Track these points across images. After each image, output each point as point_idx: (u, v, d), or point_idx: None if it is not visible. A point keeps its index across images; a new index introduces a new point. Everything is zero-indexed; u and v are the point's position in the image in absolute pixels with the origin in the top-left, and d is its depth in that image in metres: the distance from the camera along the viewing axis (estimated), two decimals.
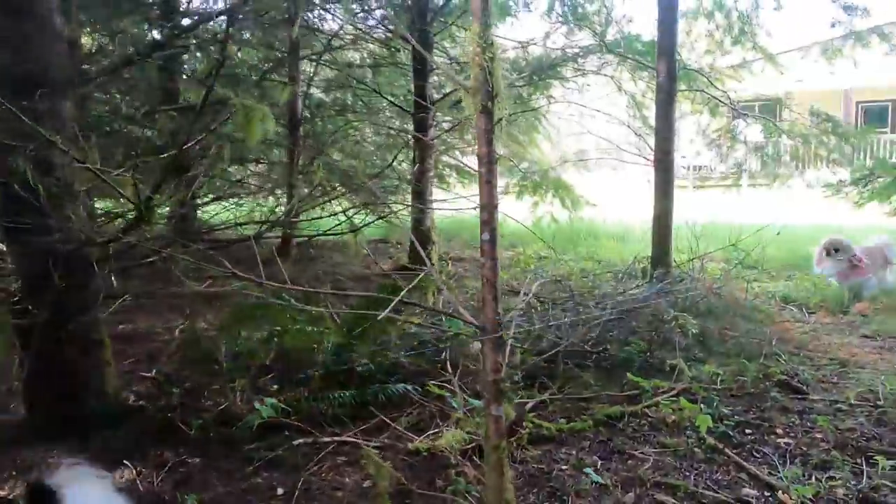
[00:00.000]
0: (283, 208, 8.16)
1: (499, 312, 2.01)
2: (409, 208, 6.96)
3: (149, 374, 3.80)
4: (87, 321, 3.02)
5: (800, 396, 3.36)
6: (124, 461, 2.84)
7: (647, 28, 8.12)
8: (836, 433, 2.90)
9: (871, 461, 2.64)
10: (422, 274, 2.50)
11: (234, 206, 7.06)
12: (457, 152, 9.66)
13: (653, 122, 7.50)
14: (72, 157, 2.16)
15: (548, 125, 9.30)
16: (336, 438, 3.00)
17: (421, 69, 6.97)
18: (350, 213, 4.91)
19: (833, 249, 5.63)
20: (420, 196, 6.98)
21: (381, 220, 4.99)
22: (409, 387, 3.60)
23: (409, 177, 6.81)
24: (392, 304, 1.92)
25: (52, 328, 2.78)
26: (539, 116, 9.20)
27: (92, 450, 2.92)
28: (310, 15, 7.59)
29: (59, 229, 2.81)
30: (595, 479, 2.48)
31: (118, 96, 4.47)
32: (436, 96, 7.44)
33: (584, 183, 11.17)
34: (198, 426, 3.11)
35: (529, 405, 3.24)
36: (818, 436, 2.91)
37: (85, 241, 2.66)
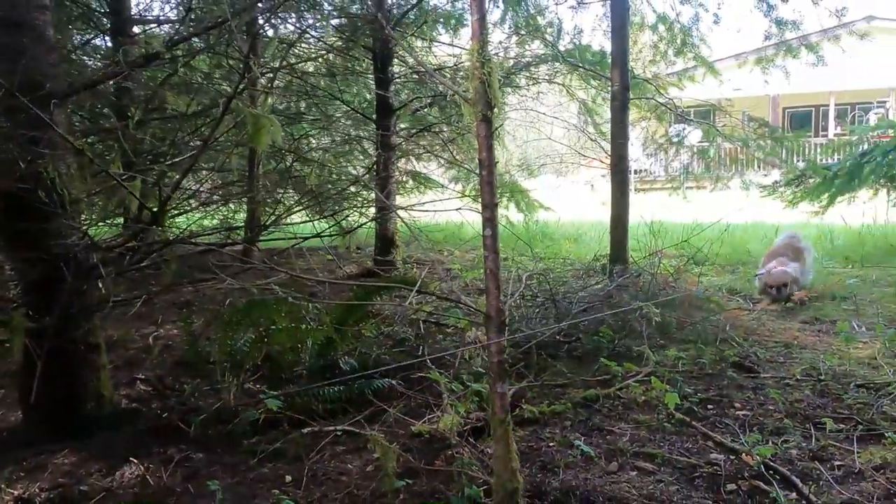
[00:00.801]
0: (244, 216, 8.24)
1: (501, 301, 2.25)
2: (373, 214, 7.14)
3: (139, 378, 3.87)
4: (86, 325, 3.11)
5: (752, 375, 3.73)
6: (130, 458, 2.93)
7: (594, 39, 8.52)
8: (787, 404, 3.25)
9: (818, 426, 3.00)
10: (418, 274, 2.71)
11: (203, 215, 7.08)
12: (412, 159, 9.89)
13: (603, 127, 7.94)
14: (91, 162, 2.27)
15: (503, 132, 9.65)
16: (339, 427, 3.16)
17: (382, 77, 7.17)
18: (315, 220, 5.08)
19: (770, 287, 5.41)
20: (382, 205, 7.16)
21: (337, 226, 5.16)
22: (394, 381, 3.81)
23: (366, 183, 6.98)
24: (413, 293, 2.11)
25: (55, 333, 2.85)
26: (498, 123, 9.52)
27: (96, 449, 3.00)
28: (263, 22, 7.68)
29: (62, 234, 2.90)
30: (585, 449, 2.74)
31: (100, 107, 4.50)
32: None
33: (539, 187, 11.59)
34: (197, 424, 3.22)
35: (512, 391, 3.49)
36: (771, 407, 3.25)
37: (90, 246, 2.75)
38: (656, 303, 4.08)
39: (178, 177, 2.93)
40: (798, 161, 10.77)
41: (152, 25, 7.64)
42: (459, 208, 3.20)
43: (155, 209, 2.46)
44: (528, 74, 8.39)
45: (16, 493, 2.62)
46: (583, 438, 2.94)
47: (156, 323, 5.55)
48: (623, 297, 4.54)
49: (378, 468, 2.85)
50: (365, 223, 4.59)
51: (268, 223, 3.17)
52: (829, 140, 16.89)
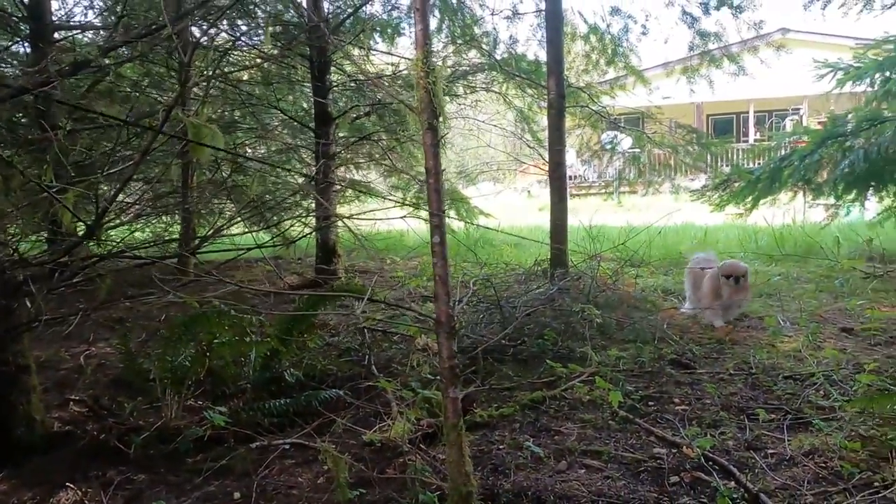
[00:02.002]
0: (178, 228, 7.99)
1: (451, 306, 2.27)
2: (314, 223, 7.06)
3: (72, 399, 3.70)
4: (14, 346, 2.96)
5: (689, 371, 3.89)
6: (67, 483, 2.80)
7: (529, 49, 8.72)
8: (722, 398, 3.41)
9: (751, 417, 3.15)
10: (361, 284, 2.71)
11: (135, 228, 6.82)
12: (353, 168, 9.84)
13: (540, 135, 8.12)
14: (21, 174, 2.17)
15: (444, 143, 9.70)
16: (287, 441, 3.11)
17: (321, 86, 7.12)
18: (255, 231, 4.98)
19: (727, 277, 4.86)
20: (324, 211, 7.09)
21: (281, 236, 5.09)
22: (342, 392, 3.78)
23: (307, 192, 6.90)
24: (363, 302, 2.11)
25: None
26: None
27: (29, 476, 2.85)
28: (195, 31, 7.51)
29: None
30: (535, 450, 2.79)
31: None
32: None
33: (478, 195, 11.73)
34: (137, 444, 3.10)
35: (463, 395, 3.51)
36: (708, 401, 3.40)
37: (18, 262, 2.63)
38: (597, 305, 4.19)
39: (116, 188, 2.82)
40: (723, 166, 11.29)
41: (76, 32, 7.34)
42: (405, 216, 3.21)
43: (90, 222, 2.37)
44: (465, 83, 8.50)
45: None
46: (532, 439, 3.00)
47: (88, 342, 5.32)
48: (565, 301, 4.66)
49: (329, 480, 2.82)
50: (308, 233, 4.52)
51: (207, 234, 3.09)
52: (752, 145, 17.79)
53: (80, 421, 3.53)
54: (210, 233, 3.33)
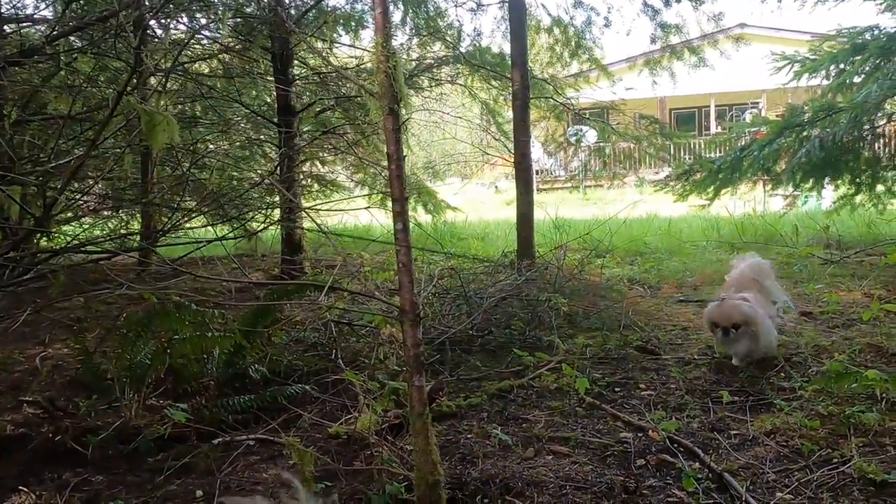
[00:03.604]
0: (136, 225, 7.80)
1: (415, 294, 2.25)
2: (278, 219, 6.95)
3: (25, 400, 3.57)
4: None
5: (654, 357, 3.93)
6: (20, 487, 2.70)
7: (494, 42, 8.71)
8: (687, 382, 3.45)
9: (714, 400, 3.20)
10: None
11: (91, 224, 6.65)
12: (317, 163, 9.72)
13: (505, 127, 8.13)
14: None
15: (407, 134, 9.66)
16: (251, 436, 3.05)
17: (283, 78, 7.00)
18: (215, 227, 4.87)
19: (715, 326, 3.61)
20: (289, 206, 6.99)
21: (242, 228, 5.00)
22: (308, 386, 3.72)
23: (271, 183, 6.78)
24: (325, 290, 2.07)
25: None
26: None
27: None
28: (153, 23, 7.32)
29: None
30: (503, 437, 2.78)
31: None
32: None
33: (444, 189, 11.71)
34: (95, 444, 3.01)
35: (430, 386, 3.49)
36: (673, 386, 3.44)
37: None
38: (564, 294, 4.21)
39: (64, 180, 2.72)
40: (686, 158, 11.48)
41: (26, 24, 7.10)
42: (369, 206, 3.17)
43: (38, 215, 2.28)
44: (430, 76, 8.46)
45: None
46: (500, 428, 2.99)
47: (44, 343, 5.16)
48: (532, 290, 4.67)
49: (294, 474, 2.77)
50: (271, 224, 4.44)
51: (166, 227, 3.00)
52: (714, 135, 18.13)
53: (35, 423, 3.41)
54: (170, 226, 3.25)
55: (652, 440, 2.78)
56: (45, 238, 2.60)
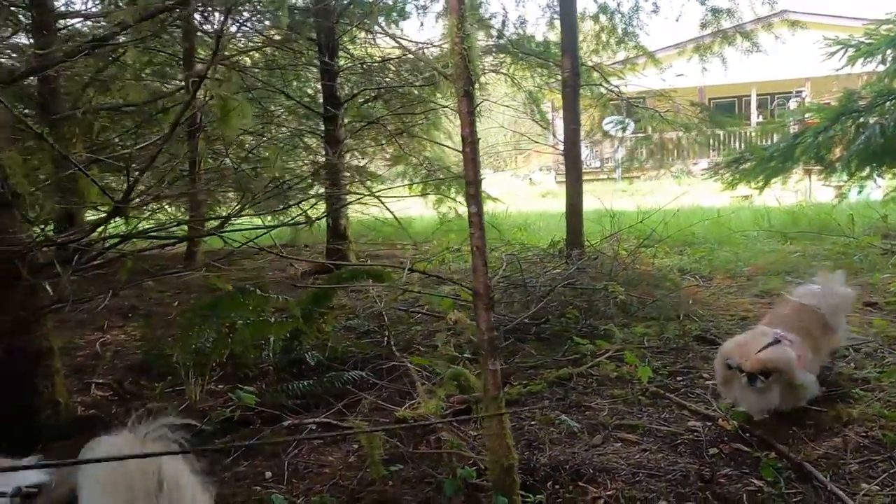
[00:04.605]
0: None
1: (488, 277, 2.23)
2: (324, 209, 7.00)
3: (96, 382, 3.67)
4: (38, 329, 2.92)
5: (715, 346, 3.84)
6: None
7: (538, 30, 8.61)
8: None
9: None
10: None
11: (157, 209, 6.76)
12: (356, 153, 9.76)
13: (549, 117, 8.05)
14: (52, 149, 2.12)
15: (449, 124, 9.63)
16: (315, 420, 3.08)
17: (329, 69, 7.03)
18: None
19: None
20: (334, 196, 7.03)
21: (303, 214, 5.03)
22: (363, 372, 3.74)
23: (319, 175, 6.82)
24: (405, 272, 2.07)
25: (10, 335, 2.66)
26: (439, 116, 9.50)
27: (55, 458, 2.82)
28: (197, 17, 7.41)
29: (10, 230, 2.71)
30: (572, 424, 2.76)
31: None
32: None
33: (486, 179, 11.64)
34: None
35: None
36: None
37: (44, 242, 2.58)
38: (620, 282, 4.15)
39: (143, 165, 2.75)
40: (733, 146, 11.22)
41: (78, 20, 7.26)
42: (428, 193, 3.16)
43: (117, 200, 2.32)
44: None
45: None
46: (563, 416, 2.96)
47: (101, 329, 5.30)
48: (584, 279, 4.62)
49: (360, 458, 2.79)
50: (326, 213, 4.47)
51: (230, 213, 3.04)
52: (764, 123, 17.67)
53: (104, 405, 3.50)
54: (232, 212, 3.29)
55: (722, 429, 2.73)
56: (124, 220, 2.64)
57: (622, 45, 7.40)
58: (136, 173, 2.28)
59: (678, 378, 3.41)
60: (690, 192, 11.56)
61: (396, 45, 8.15)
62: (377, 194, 6.65)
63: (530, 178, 24.00)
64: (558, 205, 13.36)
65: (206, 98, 2.31)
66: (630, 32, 7.25)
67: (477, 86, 2.21)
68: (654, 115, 7.13)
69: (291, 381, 3.56)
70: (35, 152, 2.38)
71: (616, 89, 6.91)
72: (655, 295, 4.56)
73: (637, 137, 7.87)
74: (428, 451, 2.67)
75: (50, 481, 1.76)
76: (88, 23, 7.04)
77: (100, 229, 2.50)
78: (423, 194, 8.92)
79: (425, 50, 8.48)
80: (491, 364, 2.21)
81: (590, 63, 7.28)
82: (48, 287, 3.16)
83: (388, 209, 3.13)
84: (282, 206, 3.82)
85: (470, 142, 2.21)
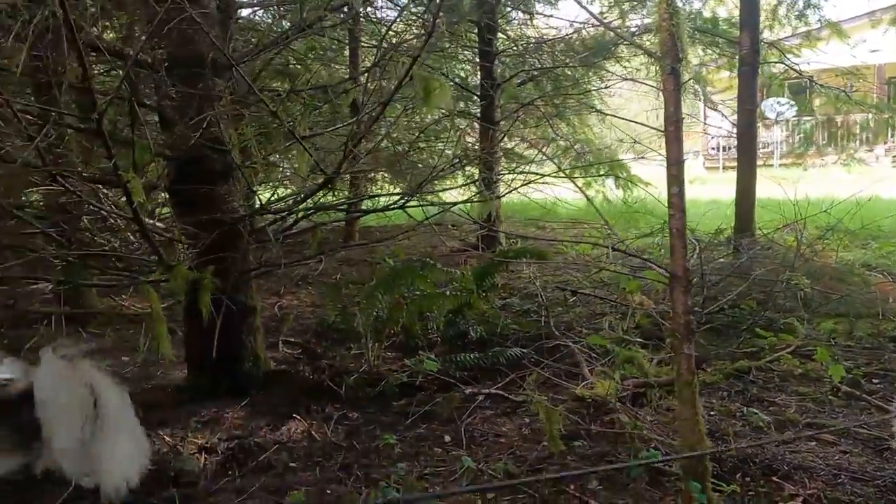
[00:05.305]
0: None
1: (687, 259, 2.18)
2: (476, 190, 7.11)
3: (289, 341, 4.04)
4: (246, 289, 3.25)
5: None
6: (293, 415, 3.06)
7: (706, 5, 8.11)
8: None
9: None
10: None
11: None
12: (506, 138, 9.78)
13: (714, 97, 7.61)
14: (282, 124, 2.35)
15: (602, 105, 9.39)
16: (489, 390, 3.19)
17: (488, 51, 7.10)
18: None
19: None
20: (487, 178, 7.12)
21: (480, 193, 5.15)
22: (526, 350, 3.80)
23: (480, 157, 6.93)
24: (609, 249, 2.08)
25: (231, 293, 2.98)
26: (592, 97, 9.28)
27: (260, 406, 3.14)
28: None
29: (231, 198, 3.03)
30: (763, 418, 2.65)
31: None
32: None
33: (637, 164, 11.24)
34: (349, 385, 3.32)
35: (654, 361, 3.42)
36: None
37: (259, 210, 2.86)
38: (801, 274, 3.88)
39: (353, 141, 2.94)
40: None
41: (256, 8, 7.86)
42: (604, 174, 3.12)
43: (329, 172, 2.52)
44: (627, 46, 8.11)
45: (199, 442, 2.77)
46: (745, 409, 2.85)
47: (278, 294, 5.78)
48: (759, 270, 4.36)
49: (534, 431, 2.85)
50: (510, 191, 4.56)
51: (410, 191, 3.20)
52: None
53: (292, 362, 3.84)
54: (411, 189, 3.45)
55: None
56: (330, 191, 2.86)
57: (802, 19, 6.79)
58: (346, 149, 2.47)
59: (874, 380, 3.15)
60: (861, 180, 10.43)
61: (554, 27, 8.07)
62: (536, 176, 6.66)
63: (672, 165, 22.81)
64: (708, 192, 12.59)
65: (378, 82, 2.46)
66: (813, 3, 6.63)
67: (683, 62, 2.15)
68: (839, 96, 6.50)
69: (459, 353, 3.70)
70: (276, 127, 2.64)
71: (797, 67, 6.37)
72: (842, 290, 4.21)
73: (807, 120, 7.22)
74: (607, 430, 2.68)
75: (14, 377, 2.39)
76: (259, 12, 7.62)
77: (310, 199, 2.73)
78: (571, 177, 8.80)
79: (584, 30, 8.30)
80: (686, 348, 2.17)
81: (766, 40, 6.76)
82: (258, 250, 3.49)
83: (582, 192, 3.10)
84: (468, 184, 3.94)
85: (674, 120, 2.16)
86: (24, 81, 3.46)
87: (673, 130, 2.17)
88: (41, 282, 3.96)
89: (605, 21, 8.12)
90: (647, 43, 8.06)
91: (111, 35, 3.89)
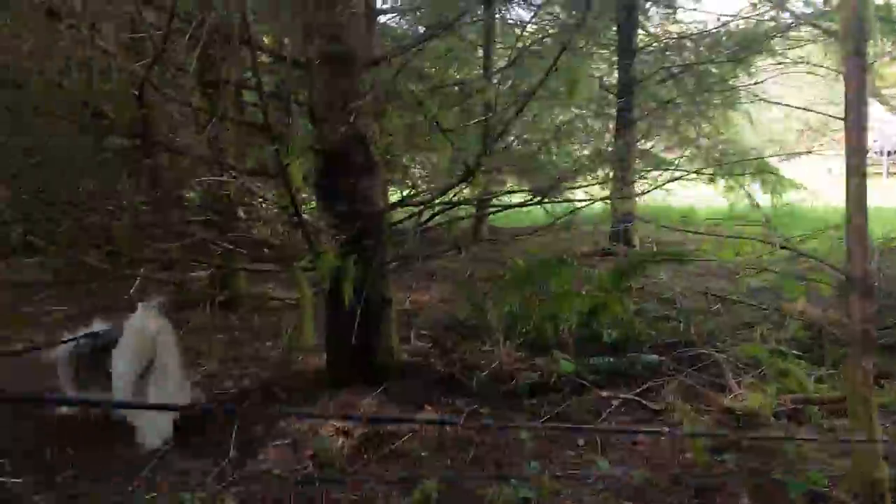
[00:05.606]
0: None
1: (868, 262, 1.96)
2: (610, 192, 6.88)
3: (422, 333, 4.11)
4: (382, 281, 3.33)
5: None
6: (425, 405, 3.09)
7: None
8: None
9: None
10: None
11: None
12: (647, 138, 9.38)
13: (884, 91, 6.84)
14: (428, 117, 2.38)
15: (748, 105, 8.77)
16: (628, 395, 3.06)
17: (627, 48, 6.86)
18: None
19: None
20: (623, 178, 6.86)
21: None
22: (664, 358, 3.60)
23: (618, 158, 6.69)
24: (776, 246, 1.92)
25: (371, 283, 3.07)
26: (736, 95, 8.71)
27: (393, 395, 3.21)
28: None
29: (372, 191, 3.13)
30: None
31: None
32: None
33: (785, 167, 10.42)
34: (480, 381, 3.30)
35: (813, 377, 3.11)
36: None
37: (398, 203, 2.92)
38: None
39: (495, 133, 2.95)
40: None
41: (394, 15, 8.12)
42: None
43: (469, 163, 2.52)
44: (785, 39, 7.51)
45: (337, 425, 2.87)
46: None
47: (409, 288, 5.90)
48: None
49: (670, 441, 2.69)
50: (652, 188, 4.39)
51: (550, 186, 3.13)
52: None
53: (423, 354, 3.88)
54: (549, 185, 3.38)
55: None
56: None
57: None
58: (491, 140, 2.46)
59: None
60: None
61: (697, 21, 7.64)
62: (676, 174, 6.31)
63: (829, 169, 21.00)
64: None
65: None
66: None
67: (870, 42, 1.93)
68: None
69: (592, 356, 3.57)
70: (391, 120, 2.70)
71: None
72: None
73: None
74: (753, 446, 2.47)
75: (106, 332, 2.98)
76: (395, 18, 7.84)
77: (450, 193, 2.75)
78: (713, 180, 8.29)
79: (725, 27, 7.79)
80: (864, 361, 1.95)
81: None
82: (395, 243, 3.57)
83: (750, 197, 2.90)
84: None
85: (856, 107, 1.95)
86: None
87: (855, 118, 1.96)
88: (201, 266, 4.29)
89: (758, 14, 7.59)
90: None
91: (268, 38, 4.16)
